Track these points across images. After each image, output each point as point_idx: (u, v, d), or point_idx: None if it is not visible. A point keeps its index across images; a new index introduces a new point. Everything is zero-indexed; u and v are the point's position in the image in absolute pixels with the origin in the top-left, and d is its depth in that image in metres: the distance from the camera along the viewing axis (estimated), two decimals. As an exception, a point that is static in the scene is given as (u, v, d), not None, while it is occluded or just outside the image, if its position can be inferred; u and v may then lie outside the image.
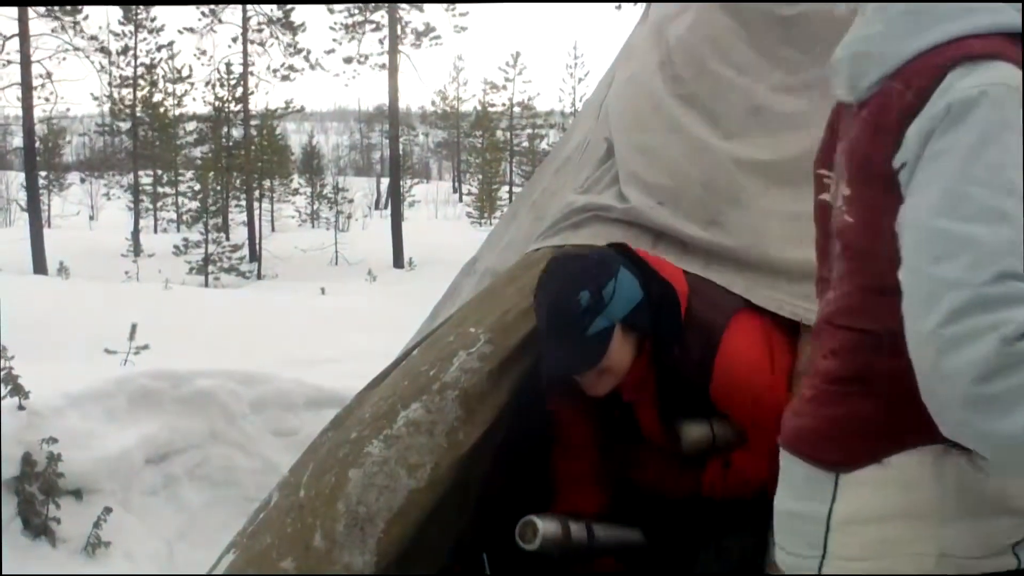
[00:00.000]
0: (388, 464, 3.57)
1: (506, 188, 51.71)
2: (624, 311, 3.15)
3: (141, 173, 43.24)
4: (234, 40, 41.55)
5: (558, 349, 3.18)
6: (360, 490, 3.53)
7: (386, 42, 40.49)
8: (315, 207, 48.84)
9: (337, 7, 41.38)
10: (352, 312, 14.47)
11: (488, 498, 3.44)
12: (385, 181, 52.48)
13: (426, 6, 41.09)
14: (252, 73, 41.77)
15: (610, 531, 3.43)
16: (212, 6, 40.48)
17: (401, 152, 45.38)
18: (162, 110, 43.20)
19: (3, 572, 5.31)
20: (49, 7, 35.42)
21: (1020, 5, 2.01)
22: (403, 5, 40.60)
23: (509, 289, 3.88)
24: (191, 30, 41.37)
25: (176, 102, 43.78)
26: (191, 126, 44.93)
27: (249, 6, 40.82)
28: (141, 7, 41.54)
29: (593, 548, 3.35)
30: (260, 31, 41.77)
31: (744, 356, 3.23)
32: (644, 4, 5.19)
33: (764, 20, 4.22)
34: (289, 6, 41.00)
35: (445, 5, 40.65)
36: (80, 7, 36.69)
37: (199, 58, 42.85)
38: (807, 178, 3.84)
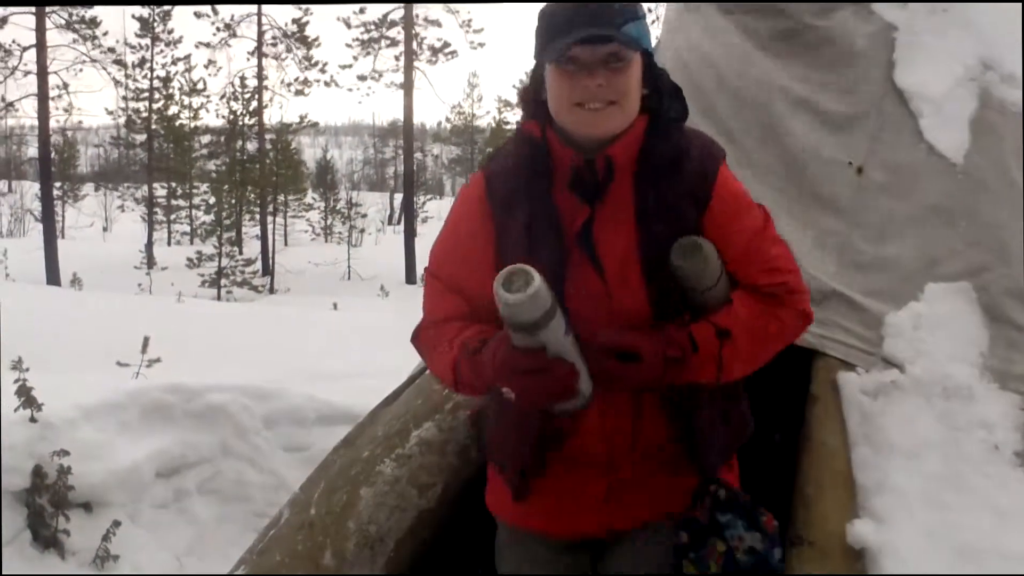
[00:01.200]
0: (399, 483, 3.57)
1: (519, 205, 51.63)
2: (648, 44, 2.67)
3: (155, 185, 43.32)
4: (251, 54, 41.72)
5: (586, 22, 2.57)
6: (371, 509, 3.53)
7: (402, 58, 40.63)
8: (328, 222, 48.90)
9: (353, 22, 41.55)
10: (364, 328, 14.45)
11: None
12: (399, 197, 52.57)
13: (443, 22, 41.24)
14: (267, 87, 41.93)
15: (578, 349, 2.58)
16: (228, 20, 40.71)
17: (415, 168, 45.43)
18: (177, 123, 43.29)
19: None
20: (69, 19, 35.66)
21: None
22: (419, 20, 40.72)
23: (523, 309, 3.88)
24: (207, 44, 41.56)
25: (192, 115, 43.91)
26: (206, 139, 45.01)
27: (264, 21, 41.01)
28: (158, 20, 41.75)
29: (560, 343, 2.53)
30: (275, 45, 41.94)
31: (739, 185, 2.82)
32: (661, 23, 5.18)
33: (776, 40, 4.22)
34: (304, 20, 41.17)
35: (460, 21, 40.75)
36: (97, 18, 36.93)
37: (207, 68, 42.85)
38: (819, 203, 3.85)
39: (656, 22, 34.23)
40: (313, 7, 40.74)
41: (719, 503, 2.87)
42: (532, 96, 2.77)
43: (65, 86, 36.43)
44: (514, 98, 54.59)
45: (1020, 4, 4.14)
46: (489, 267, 2.68)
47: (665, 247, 2.67)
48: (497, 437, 2.95)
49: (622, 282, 2.68)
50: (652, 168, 2.70)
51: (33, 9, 32.82)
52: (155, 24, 42.04)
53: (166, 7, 40.94)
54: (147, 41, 42.47)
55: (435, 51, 41.53)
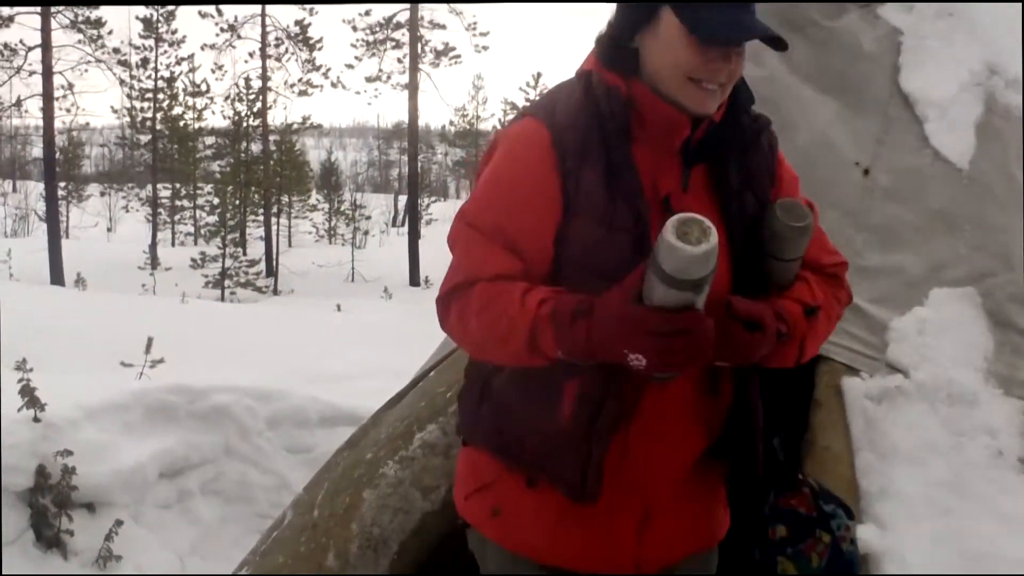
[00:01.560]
0: (403, 486, 3.57)
1: (523, 208, 51.52)
2: None
3: (160, 186, 43.36)
4: (250, 55, 41.77)
5: (738, 10, 2.41)
6: (374, 511, 3.52)
7: (406, 60, 40.65)
8: (332, 223, 48.90)
9: (359, 24, 41.58)
10: (368, 329, 14.49)
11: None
12: (403, 198, 52.56)
13: (448, 24, 41.24)
14: (271, 88, 41.92)
15: None
16: (232, 21, 40.73)
17: (419, 170, 45.44)
18: (182, 123, 43.30)
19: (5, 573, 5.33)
20: (74, 19, 35.70)
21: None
22: (424, 23, 40.77)
23: (527, 312, 3.87)
24: (212, 46, 41.56)
25: (196, 116, 43.93)
26: (210, 140, 45.04)
27: (268, 22, 41.03)
28: (162, 20, 41.78)
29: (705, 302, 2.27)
30: (278, 46, 41.94)
31: None
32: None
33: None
34: (307, 22, 41.21)
35: (465, 24, 40.77)
36: (102, 19, 36.97)
37: (214, 72, 42.87)
38: (826, 205, 3.84)
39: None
40: (318, 7, 40.72)
41: (816, 493, 2.76)
42: (618, 42, 2.50)
43: (70, 86, 36.51)
44: (519, 100, 54.69)
45: (1021, 12, 4.14)
46: (551, 223, 2.45)
47: (748, 220, 2.53)
48: (555, 427, 2.49)
49: None
50: (735, 141, 2.56)
51: (38, 9, 32.86)
52: (159, 25, 42.06)
53: (170, 7, 40.99)
54: (151, 42, 42.49)
55: (439, 54, 41.54)
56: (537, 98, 2.65)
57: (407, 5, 39.66)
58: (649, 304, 2.20)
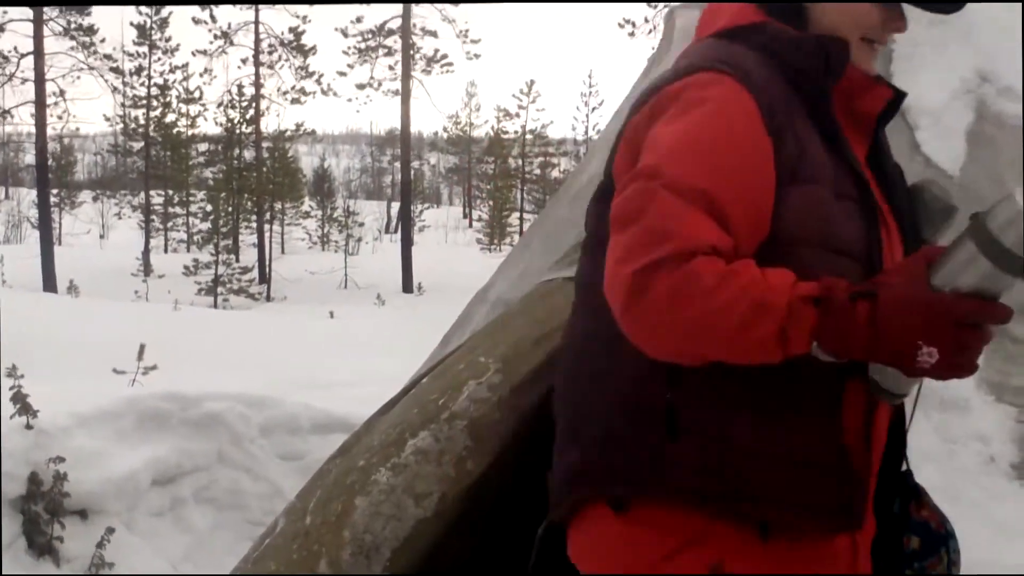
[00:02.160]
0: (395, 493, 3.56)
1: (517, 215, 51.75)
2: None
3: (152, 193, 43.36)
4: (243, 62, 41.74)
5: None
6: (367, 518, 3.51)
7: (398, 67, 40.64)
8: (325, 230, 48.90)
9: (351, 31, 41.56)
10: (360, 336, 14.47)
11: (497, 529, 3.41)
12: (396, 205, 52.60)
13: (440, 32, 41.29)
14: (264, 95, 41.94)
15: None
16: (225, 28, 40.72)
17: (412, 176, 45.47)
18: (175, 130, 43.34)
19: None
20: (66, 26, 35.69)
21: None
22: (416, 30, 40.76)
23: (520, 319, 3.88)
24: (204, 52, 41.57)
25: (189, 123, 43.96)
26: (203, 147, 45.07)
27: (261, 29, 41.04)
28: (155, 27, 41.79)
29: None
30: (271, 53, 41.96)
31: None
32: (659, 32, 5.17)
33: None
34: (301, 29, 41.20)
35: (457, 31, 40.77)
36: (95, 26, 36.95)
37: (203, 76, 42.84)
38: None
39: (653, 32, 34.26)
40: (311, 11, 40.77)
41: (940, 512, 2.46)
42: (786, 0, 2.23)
43: (62, 93, 36.50)
44: (513, 107, 54.72)
45: (1020, 16, 4.15)
46: (771, 193, 2.04)
47: (906, 200, 2.25)
48: (814, 448, 2.05)
49: (892, 242, 2.17)
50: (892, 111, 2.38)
51: (31, 15, 32.86)
52: (152, 32, 42.08)
53: (163, 14, 41.04)
54: (144, 49, 42.52)
55: (431, 61, 41.56)
56: (698, 56, 2.21)
57: (399, 10, 39.68)
58: (951, 288, 1.88)
